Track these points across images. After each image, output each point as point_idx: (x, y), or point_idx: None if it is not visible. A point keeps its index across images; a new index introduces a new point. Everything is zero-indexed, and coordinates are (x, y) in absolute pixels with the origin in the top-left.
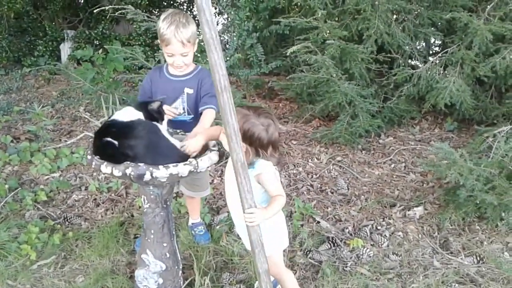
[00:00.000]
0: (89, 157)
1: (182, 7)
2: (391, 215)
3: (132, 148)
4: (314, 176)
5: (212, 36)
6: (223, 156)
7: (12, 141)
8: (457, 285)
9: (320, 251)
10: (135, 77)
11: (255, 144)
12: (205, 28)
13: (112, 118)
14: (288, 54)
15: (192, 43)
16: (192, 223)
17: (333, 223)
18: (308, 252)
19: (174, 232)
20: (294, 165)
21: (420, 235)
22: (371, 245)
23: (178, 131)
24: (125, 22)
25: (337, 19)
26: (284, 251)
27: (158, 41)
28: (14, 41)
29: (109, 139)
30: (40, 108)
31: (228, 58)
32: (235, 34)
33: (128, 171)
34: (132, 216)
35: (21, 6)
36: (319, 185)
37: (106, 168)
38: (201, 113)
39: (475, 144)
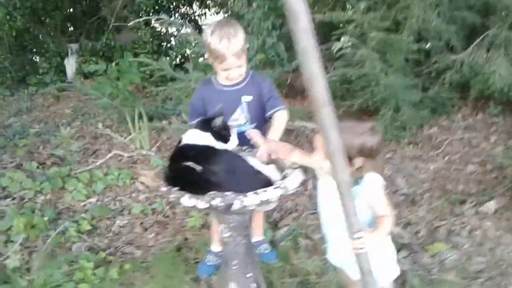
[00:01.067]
0: (163, 188)
1: (191, 9)
2: (463, 213)
3: (216, 174)
4: None
5: (310, 45)
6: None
7: (38, 167)
8: None
9: (399, 260)
10: (162, 89)
11: (365, 154)
12: (302, 37)
13: (183, 142)
14: (334, 50)
15: (245, 52)
16: (256, 241)
17: (403, 226)
18: None
19: (256, 259)
20: None
21: (499, 232)
22: (450, 247)
23: (243, 148)
24: (127, 30)
25: (373, 10)
26: None
27: (206, 55)
28: (16, 60)
29: (190, 163)
30: (66, 130)
31: (249, 59)
32: (254, 34)
33: (215, 203)
34: (186, 239)
35: (22, 23)
36: None
37: (189, 200)
38: (269, 118)
39: None
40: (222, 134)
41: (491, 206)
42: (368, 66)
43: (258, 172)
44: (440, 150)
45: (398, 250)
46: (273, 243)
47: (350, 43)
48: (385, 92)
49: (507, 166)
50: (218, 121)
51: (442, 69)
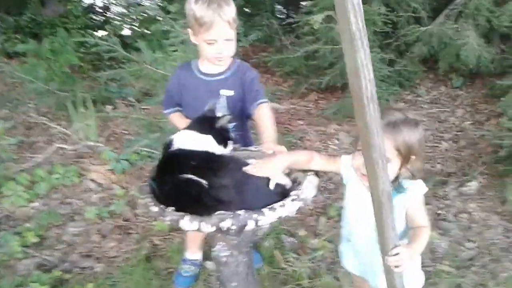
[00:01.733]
0: (154, 208)
1: None
2: (447, 195)
3: (226, 189)
4: None
5: (359, 28)
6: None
7: None
8: None
9: None
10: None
11: (414, 154)
12: (350, 18)
13: (175, 146)
14: (315, 26)
15: (235, 29)
16: None
17: None
18: None
19: (256, 277)
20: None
21: (485, 214)
22: (439, 234)
23: (238, 146)
24: (54, 3)
25: None
26: None
27: (188, 31)
28: None
29: (192, 176)
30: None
31: None
32: None
33: (225, 225)
34: (155, 245)
35: None
36: None
37: (191, 224)
38: (248, 117)
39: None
40: (224, 137)
41: (473, 186)
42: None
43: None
44: None
45: None
46: (254, 243)
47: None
48: None
49: (479, 142)
50: (224, 121)
51: (410, 42)
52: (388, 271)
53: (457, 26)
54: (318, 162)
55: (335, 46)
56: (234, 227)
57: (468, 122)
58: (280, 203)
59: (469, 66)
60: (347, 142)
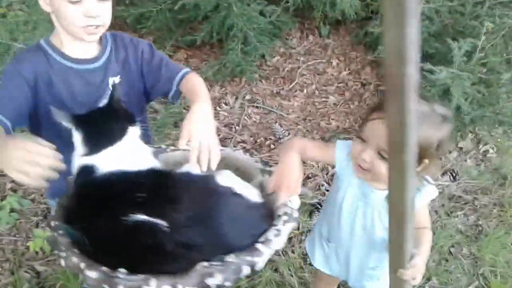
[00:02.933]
0: (93, 273)
1: None
2: None
3: (196, 227)
4: (237, 128)
5: None
6: None
7: None
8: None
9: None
10: None
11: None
12: None
13: (101, 171)
14: None
15: None
16: None
17: (303, 183)
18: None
19: None
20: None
21: None
22: None
23: (162, 146)
24: None
25: None
26: None
27: None
28: None
29: (143, 217)
30: None
31: None
32: None
33: (215, 282)
34: (38, 274)
35: None
36: (256, 139)
37: None
38: (176, 93)
39: None
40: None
41: None
42: None
43: (237, 196)
44: (294, 83)
45: (310, 212)
46: None
47: None
48: (234, 18)
49: (364, 93)
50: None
51: None
52: (399, 283)
53: None
54: (310, 150)
55: None
56: (227, 283)
57: (345, 73)
58: (273, 231)
59: (338, 15)
60: (238, 106)
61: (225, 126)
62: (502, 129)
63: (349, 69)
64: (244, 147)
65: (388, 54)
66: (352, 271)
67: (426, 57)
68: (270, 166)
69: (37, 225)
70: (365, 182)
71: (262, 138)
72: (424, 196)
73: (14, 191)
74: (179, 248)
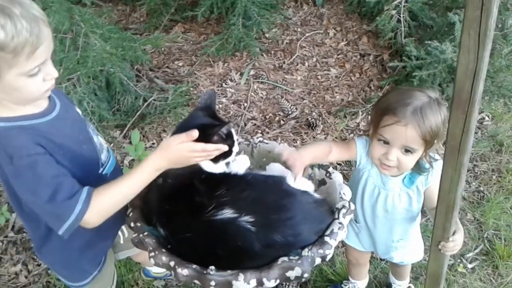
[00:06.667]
0: (185, 271)
1: None
2: (358, 126)
3: (280, 226)
4: (245, 105)
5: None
6: None
7: None
8: None
9: None
10: None
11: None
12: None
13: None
14: None
15: None
16: None
17: None
18: None
19: None
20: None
21: None
22: None
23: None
24: None
25: None
26: None
27: None
28: None
29: (233, 215)
30: None
31: None
32: None
33: (294, 274)
34: None
35: None
36: (265, 116)
37: (246, 284)
38: None
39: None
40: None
41: None
42: None
43: (305, 194)
44: (295, 56)
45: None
46: None
47: None
48: None
49: (363, 64)
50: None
51: None
52: (436, 255)
53: None
54: (336, 152)
55: None
56: (306, 275)
57: (343, 43)
58: (337, 224)
59: None
60: (243, 82)
61: (233, 103)
62: (502, 101)
63: (346, 40)
64: (255, 124)
65: (460, 72)
66: (379, 245)
67: (425, 28)
68: None
69: None
70: (380, 171)
71: (271, 114)
72: (436, 172)
73: None
74: (264, 247)
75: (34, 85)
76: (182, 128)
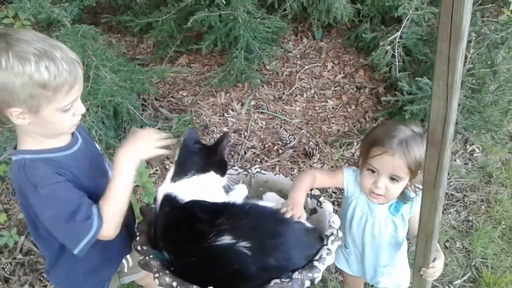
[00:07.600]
0: (166, 278)
1: None
2: (353, 156)
3: (274, 251)
4: (245, 134)
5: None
6: None
7: None
8: None
9: None
10: None
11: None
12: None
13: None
14: None
15: None
16: None
17: None
18: None
19: None
20: (216, 127)
21: None
22: None
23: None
24: None
25: None
26: None
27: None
28: None
29: (232, 241)
30: None
31: None
32: None
33: None
34: None
35: None
36: (264, 145)
37: None
38: None
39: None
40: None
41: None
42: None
43: (297, 222)
44: (294, 87)
45: None
46: None
47: None
48: (240, 29)
49: (359, 97)
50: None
51: None
52: (419, 281)
53: None
54: (319, 180)
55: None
56: None
57: (340, 76)
58: (325, 250)
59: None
60: (244, 112)
61: (234, 132)
62: (489, 135)
63: (343, 73)
64: (254, 152)
65: (433, 116)
66: (367, 270)
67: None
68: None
69: None
70: (369, 200)
71: (270, 143)
72: (419, 202)
73: None
74: (259, 270)
75: (65, 119)
76: (187, 158)
